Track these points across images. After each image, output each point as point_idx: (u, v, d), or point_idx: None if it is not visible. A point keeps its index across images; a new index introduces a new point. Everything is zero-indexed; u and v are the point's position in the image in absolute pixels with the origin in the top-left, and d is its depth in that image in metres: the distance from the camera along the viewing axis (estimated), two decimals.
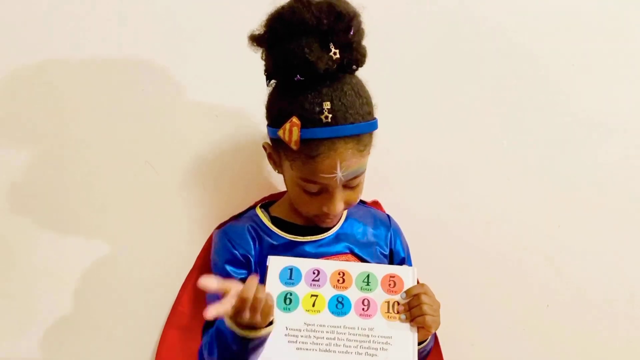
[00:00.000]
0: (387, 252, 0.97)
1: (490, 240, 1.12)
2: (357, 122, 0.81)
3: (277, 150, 0.87)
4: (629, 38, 1.12)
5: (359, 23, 0.81)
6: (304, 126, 0.79)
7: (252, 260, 0.91)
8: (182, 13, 1.06)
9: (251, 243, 0.92)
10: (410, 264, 0.99)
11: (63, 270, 1.07)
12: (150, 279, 1.08)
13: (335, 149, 0.80)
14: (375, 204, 1.06)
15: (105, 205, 1.08)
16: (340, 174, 0.81)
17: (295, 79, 0.79)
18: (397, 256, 0.98)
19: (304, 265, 0.87)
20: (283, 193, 1.00)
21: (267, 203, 1.00)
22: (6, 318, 1.08)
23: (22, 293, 1.08)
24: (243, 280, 0.87)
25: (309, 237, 0.92)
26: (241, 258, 0.91)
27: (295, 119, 0.79)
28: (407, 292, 0.85)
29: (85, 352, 1.08)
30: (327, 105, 0.79)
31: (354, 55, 0.81)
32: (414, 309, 0.83)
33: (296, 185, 0.86)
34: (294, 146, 0.80)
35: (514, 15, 1.11)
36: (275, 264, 0.87)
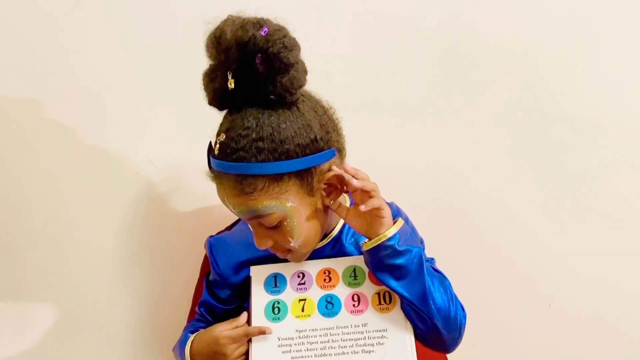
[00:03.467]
0: None
1: (492, 240, 1.11)
2: (243, 161, 0.71)
3: None
4: (633, 38, 1.09)
5: (275, 48, 0.69)
6: (208, 151, 0.77)
7: (231, 280, 0.87)
8: (184, 12, 1.05)
9: (237, 257, 0.87)
10: (430, 260, 0.92)
11: (63, 270, 1.09)
12: (150, 277, 1.09)
13: (220, 182, 0.75)
14: None
15: (107, 203, 1.08)
16: (232, 209, 0.76)
17: (208, 102, 0.76)
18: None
19: (288, 270, 0.84)
20: None
21: None
22: (6, 318, 1.09)
23: (23, 293, 1.09)
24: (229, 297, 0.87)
25: None
26: (218, 278, 0.88)
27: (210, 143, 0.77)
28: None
29: (86, 354, 1.11)
30: (222, 137, 0.74)
31: (266, 88, 0.71)
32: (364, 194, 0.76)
33: None
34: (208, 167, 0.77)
35: (515, 16, 1.08)
36: (258, 273, 0.84)
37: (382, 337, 0.79)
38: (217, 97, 0.74)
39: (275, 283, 0.84)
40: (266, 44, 0.69)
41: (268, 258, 0.85)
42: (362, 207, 0.75)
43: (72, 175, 1.08)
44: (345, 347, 0.79)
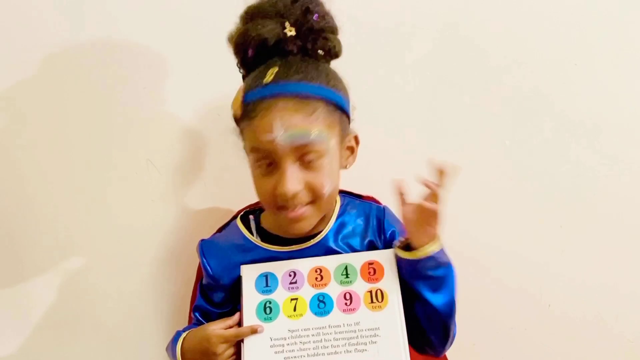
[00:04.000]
0: (384, 242, 0.88)
1: (491, 240, 1.11)
2: (306, 79, 0.75)
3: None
4: (634, 36, 1.08)
5: (325, 12, 0.78)
6: (248, 90, 0.77)
7: (224, 282, 0.86)
8: (185, 11, 1.04)
9: (229, 259, 0.86)
10: None
11: (63, 270, 1.08)
12: (150, 277, 1.09)
13: (274, 106, 0.74)
14: (371, 198, 0.98)
15: (106, 203, 1.08)
16: (279, 135, 0.73)
17: (249, 54, 0.77)
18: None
19: (279, 268, 0.83)
20: None
21: (252, 211, 0.93)
22: (6, 318, 1.09)
23: (22, 293, 1.09)
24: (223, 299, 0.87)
25: (294, 246, 0.85)
26: (211, 281, 0.88)
27: (241, 87, 0.78)
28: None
29: (85, 354, 1.11)
30: (273, 70, 0.76)
31: (319, 42, 0.78)
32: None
33: (252, 167, 0.80)
34: (237, 112, 0.77)
35: (516, 14, 1.08)
36: (249, 273, 0.84)
37: (375, 335, 0.79)
38: (268, 43, 0.76)
39: (266, 282, 0.83)
40: (322, 6, 0.79)
41: (259, 260, 0.84)
42: (427, 205, 0.74)
43: (72, 176, 1.07)
44: (338, 346, 0.79)
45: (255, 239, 0.87)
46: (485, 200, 1.10)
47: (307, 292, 0.82)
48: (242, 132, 0.80)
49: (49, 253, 1.08)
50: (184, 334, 0.85)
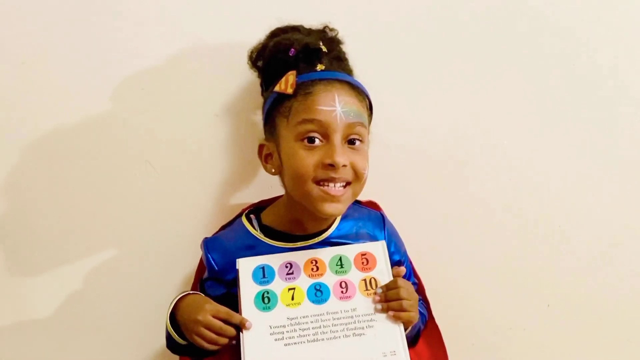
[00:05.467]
0: None
1: (491, 239, 1.12)
2: (351, 76, 0.88)
3: (272, 128, 0.87)
4: None
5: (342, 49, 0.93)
6: (299, 74, 0.84)
7: (227, 277, 0.88)
8: (183, 12, 1.05)
9: (232, 256, 0.87)
10: (407, 265, 0.97)
11: (63, 271, 1.07)
12: (149, 278, 1.08)
13: (332, 86, 0.83)
14: (372, 204, 1.02)
15: (105, 204, 1.07)
16: (339, 108, 0.81)
17: (290, 52, 0.85)
18: (391, 257, 0.91)
19: (275, 261, 0.86)
20: (273, 199, 0.98)
21: (256, 209, 0.96)
22: (6, 318, 1.08)
23: (22, 293, 1.07)
24: (220, 297, 0.87)
25: (300, 242, 0.89)
26: (215, 276, 0.89)
27: (290, 72, 0.84)
28: (385, 286, 0.83)
29: (85, 354, 1.09)
30: (320, 65, 0.85)
31: (342, 66, 0.89)
32: (393, 302, 0.82)
33: (294, 144, 0.82)
34: (290, 89, 0.82)
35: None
36: (246, 265, 0.85)
37: (372, 320, 0.82)
38: (310, 47, 0.86)
39: (263, 274, 0.85)
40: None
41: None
42: (391, 315, 0.82)
43: (72, 177, 1.05)
44: (336, 331, 0.81)
45: (260, 235, 0.90)
46: (484, 200, 1.11)
47: (304, 282, 0.84)
48: (289, 111, 0.83)
49: (48, 253, 1.07)
50: (185, 294, 0.85)
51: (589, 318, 1.14)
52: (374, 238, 0.92)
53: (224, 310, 0.81)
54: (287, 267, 0.85)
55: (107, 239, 1.08)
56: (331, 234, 0.90)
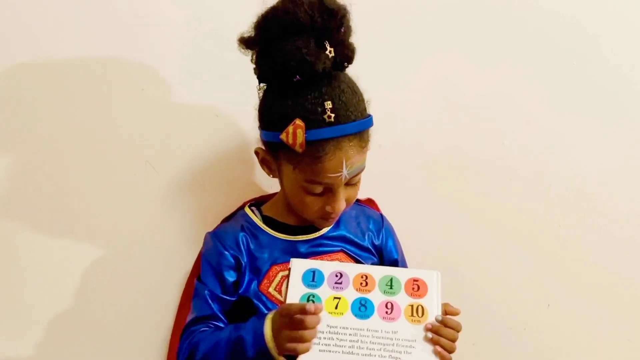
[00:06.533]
0: (378, 248, 0.98)
1: (491, 239, 1.12)
2: (358, 119, 0.82)
3: (275, 154, 0.87)
4: None
5: (348, 20, 0.82)
6: (308, 127, 0.79)
7: (242, 262, 0.91)
8: (183, 13, 1.07)
9: (242, 245, 0.92)
10: (405, 265, 1.00)
11: (62, 271, 1.08)
12: (149, 279, 1.09)
13: (341, 148, 0.81)
14: (370, 201, 1.06)
15: (105, 205, 1.08)
16: (345, 172, 0.82)
17: (295, 79, 0.79)
18: (389, 256, 0.98)
19: (327, 268, 0.86)
20: (273, 195, 1.01)
21: (257, 203, 1.01)
22: (6, 318, 1.08)
23: (21, 293, 1.08)
24: (234, 283, 0.91)
25: (301, 236, 0.93)
26: (232, 260, 0.91)
27: (299, 121, 0.79)
28: (444, 321, 0.82)
29: (85, 353, 1.09)
30: (328, 104, 0.79)
31: (346, 53, 0.82)
32: (444, 340, 0.81)
33: (299, 188, 0.86)
34: (299, 149, 0.80)
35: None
36: (298, 266, 0.86)
37: (411, 347, 0.80)
38: (317, 71, 0.78)
39: (313, 278, 0.85)
40: (345, 8, 0.81)
41: (267, 245, 0.92)
42: (437, 351, 0.80)
43: (71, 177, 1.08)
44: (373, 349, 0.80)
45: (263, 225, 0.94)
46: (483, 199, 1.12)
47: (350, 294, 0.84)
48: (297, 163, 0.83)
49: (48, 254, 1.08)
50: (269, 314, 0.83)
51: (589, 318, 1.12)
52: (370, 234, 0.97)
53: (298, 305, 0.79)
54: (337, 276, 0.86)
55: (107, 239, 1.09)
56: (329, 230, 0.94)
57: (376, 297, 0.84)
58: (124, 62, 1.06)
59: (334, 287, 0.85)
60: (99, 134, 1.07)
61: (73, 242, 1.08)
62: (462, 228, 1.12)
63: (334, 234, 0.95)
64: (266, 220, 0.95)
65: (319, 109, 0.79)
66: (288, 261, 0.87)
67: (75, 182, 1.08)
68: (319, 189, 0.85)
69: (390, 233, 1.00)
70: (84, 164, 1.07)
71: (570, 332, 1.13)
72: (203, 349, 0.85)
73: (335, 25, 0.79)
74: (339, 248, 0.94)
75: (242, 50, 0.85)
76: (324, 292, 0.84)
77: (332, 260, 0.93)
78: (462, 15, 1.10)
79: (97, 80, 1.06)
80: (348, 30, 0.82)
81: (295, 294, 0.84)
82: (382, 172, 1.06)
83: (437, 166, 1.12)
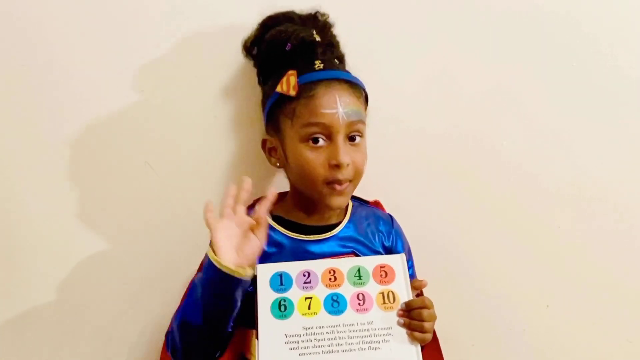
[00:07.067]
0: (388, 249, 0.96)
1: (489, 240, 1.12)
2: (348, 72, 0.90)
3: (276, 126, 0.89)
4: None
5: (334, 37, 0.95)
6: (299, 74, 0.86)
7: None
8: (182, 14, 1.05)
9: None
10: (413, 268, 0.98)
11: (61, 271, 1.07)
12: (149, 279, 1.08)
13: (332, 87, 0.86)
14: (377, 204, 1.04)
15: (105, 206, 1.07)
16: (341, 110, 0.84)
17: (287, 47, 0.87)
18: None
19: (293, 269, 0.85)
20: (282, 194, 0.98)
21: None
22: (6, 318, 1.08)
23: (21, 293, 1.08)
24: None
25: (312, 236, 0.91)
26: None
27: (291, 71, 0.86)
28: (407, 304, 0.83)
29: (85, 353, 1.09)
30: (318, 62, 0.88)
31: (335, 52, 0.92)
32: (414, 322, 0.81)
33: (300, 145, 0.86)
34: (292, 92, 0.85)
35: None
36: (264, 272, 0.85)
37: (388, 334, 0.81)
38: (305, 40, 0.88)
39: (281, 281, 0.84)
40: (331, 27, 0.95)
41: (278, 244, 0.91)
42: (409, 334, 0.81)
43: (71, 178, 1.06)
44: (352, 344, 0.80)
45: (273, 223, 0.92)
46: (483, 200, 1.11)
47: (321, 292, 0.84)
48: (293, 113, 0.86)
49: (47, 254, 1.07)
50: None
51: (589, 318, 1.15)
52: (381, 235, 0.96)
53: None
54: (304, 275, 0.85)
55: (107, 239, 1.08)
56: (341, 230, 0.93)
57: (347, 290, 0.84)
58: (124, 62, 1.05)
59: (303, 287, 0.84)
60: (99, 134, 1.06)
61: (72, 243, 1.07)
62: (461, 228, 1.11)
63: (345, 234, 0.93)
64: (275, 218, 0.93)
65: (310, 64, 0.87)
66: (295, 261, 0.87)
67: (75, 182, 1.07)
68: (318, 131, 0.85)
69: (400, 234, 0.99)
70: (84, 164, 1.07)
71: (570, 333, 1.14)
72: (176, 324, 0.84)
73: (319, 23, 0.92)
74: (351, 250, 0.92)
75: (246, 56, 0.96)
76: (295, 294, 0.83)
77: None
78: (462, 15, 1.08)
79: (97, 80, 1.05)
80: (335, 37, 0.94)
81: (265, 301, 0.83)
82: (383, 172, 1.06)
83: (436, 167, 1.10)
